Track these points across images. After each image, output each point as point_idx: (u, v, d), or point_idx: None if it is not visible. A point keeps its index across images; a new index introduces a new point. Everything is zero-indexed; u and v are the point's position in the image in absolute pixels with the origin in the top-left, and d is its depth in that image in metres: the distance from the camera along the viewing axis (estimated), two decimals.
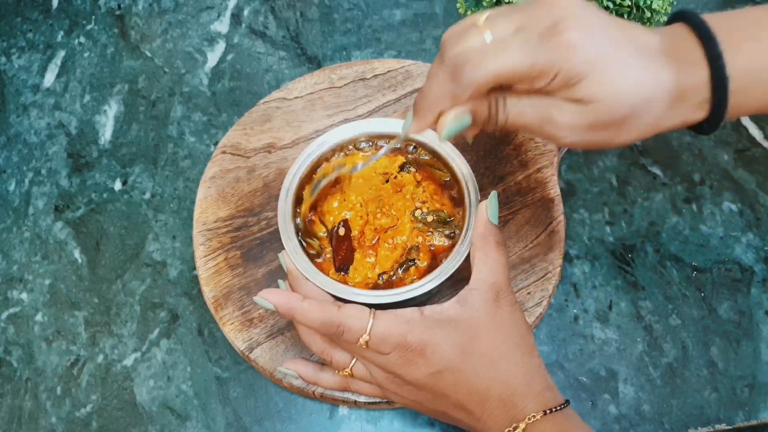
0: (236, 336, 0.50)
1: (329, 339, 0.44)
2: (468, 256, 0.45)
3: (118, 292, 0.55)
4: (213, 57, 0.67)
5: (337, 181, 0.52)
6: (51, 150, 0.62)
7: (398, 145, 0.46)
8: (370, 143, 0.53)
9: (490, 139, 0.57)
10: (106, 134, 0.63)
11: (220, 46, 0.67)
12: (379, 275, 0.48)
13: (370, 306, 0.43)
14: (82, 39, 0.68)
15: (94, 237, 0.58)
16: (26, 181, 0.61)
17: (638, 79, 0.36)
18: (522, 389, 0.40)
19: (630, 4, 0.52)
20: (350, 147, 0.53)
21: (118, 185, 0.60)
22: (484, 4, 0.55)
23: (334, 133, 0.52)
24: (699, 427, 0.49)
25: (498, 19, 0.37)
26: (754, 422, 0.49)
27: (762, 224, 0.56)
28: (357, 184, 0.51)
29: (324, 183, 0.50)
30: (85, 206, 0.59)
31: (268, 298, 0.43)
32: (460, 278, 0.46)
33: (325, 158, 0.52)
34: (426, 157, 0.53)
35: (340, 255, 0.48)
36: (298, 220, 0.50)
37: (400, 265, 0.49)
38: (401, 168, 0.52)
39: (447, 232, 0.50)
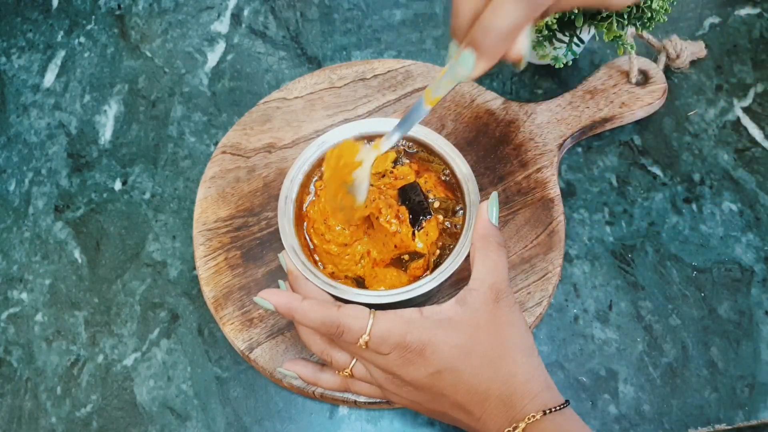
0: (236, 336, 0.50)
1: (329, 339, 0.44)
2: (468, 256, 0.45)
3: (118, 292, 0.55)
4: (213, 57, 0.67)
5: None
6: (51, 150, 0.62)
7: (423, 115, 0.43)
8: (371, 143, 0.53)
9: (490, 139, 0.57)
10: (106, 134, 0.63)
11: (220, 46, 0.67)
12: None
13: (369, 306, 0.43)
14: (82, 39, 0.68)
15: (94, 237, 0.58)
16: (26, 181, 0.61)
17: None
18: (521, 389, 0.40)
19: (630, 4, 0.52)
20: None
21: (118, 185, 0.60)
22: None
23: (334, 133, 0.52)
24: (699, 427, 0.49)
25: None
26: (754, 422, 0.49)
27: (762, 224, 0.56)
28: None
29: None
30: (85, 206, 0.59)
31: (268, 298, 0.43)
32: (460, 278, 0.46)
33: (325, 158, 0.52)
34: (415, 151, 0.52)
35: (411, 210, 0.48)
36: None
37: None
38: (395, 163, 0.52)
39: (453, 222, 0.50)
